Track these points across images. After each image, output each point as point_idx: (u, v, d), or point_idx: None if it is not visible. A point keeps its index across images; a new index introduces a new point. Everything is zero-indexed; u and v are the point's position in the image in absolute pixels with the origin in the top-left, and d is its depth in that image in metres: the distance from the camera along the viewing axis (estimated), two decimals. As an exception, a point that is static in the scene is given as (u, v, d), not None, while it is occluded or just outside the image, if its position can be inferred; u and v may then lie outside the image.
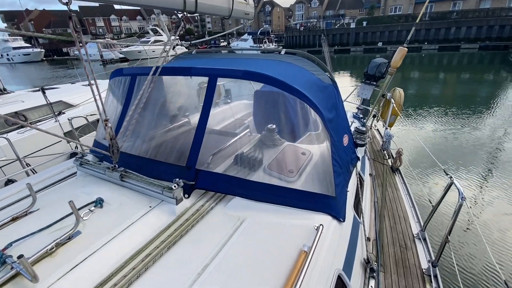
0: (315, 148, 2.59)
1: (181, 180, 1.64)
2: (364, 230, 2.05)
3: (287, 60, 2.47)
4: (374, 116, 4.87)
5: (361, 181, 2.75)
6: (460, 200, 1.66)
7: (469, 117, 9.95)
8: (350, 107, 4.92)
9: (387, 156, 3.63)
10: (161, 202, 1.66)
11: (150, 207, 1.61)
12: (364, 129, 3.10)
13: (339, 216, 1.86)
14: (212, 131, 2.62)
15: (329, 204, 1.87)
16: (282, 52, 2.68)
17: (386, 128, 3.94)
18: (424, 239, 2.20)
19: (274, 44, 38.66)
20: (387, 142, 3.63)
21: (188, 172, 1.80)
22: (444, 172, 1.99)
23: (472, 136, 8.15)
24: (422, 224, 2.29)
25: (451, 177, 1.88)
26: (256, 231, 1.55)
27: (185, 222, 1.56)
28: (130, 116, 1.99)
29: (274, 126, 2.69)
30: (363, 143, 3.12)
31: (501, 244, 3.15)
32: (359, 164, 2.91)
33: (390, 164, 3.42)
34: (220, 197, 1.81)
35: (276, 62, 2.38)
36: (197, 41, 6.90)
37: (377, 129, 4.87)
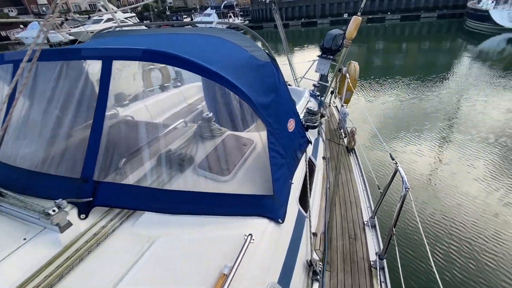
0: (259, 137, 2.29)
1: (63, 200, 1.27)
2: (310, 226, 1.86)
3: (219, 34, 2.07)
4: (332, 93, 4.67)
5: (312, 167, 2.55)
6: (404, 190, 1.50)
7: (429, 85, 10.28)
8: (308, 84, 4.67)
9: (343, 135, 3.49)
10: (43, 230, 1.29)
11: (24, 239, 1.24)
12: (315, 109, 2.86)
13: (277, 217, 1.62)
14: (131, 126, 2.21)
15: (265, 205, 1.62)
16: (213, 25, 2.26)
17: (342, 106, 3.76)
18: (374, 226, 2.08)
19: (240, 18, 36.84)
20: (343, 120, 3.47)
21: (84, 186, 1.43)
22: (390, 156, 1.82)
23: (431, 103, 8.44)
24: (373, 209, 2.18)
25: (396, 163, 1.71)
26: (168, 254, 1.26)
27: (75, 254, 1.22)
28: (10, 115, 1.52)
29: (211, 114, 2.34)
30: (314, 125, 2.90)
31: (440, 241, 3.16)
32: (310, 148, 2.69)
33: (346, 144, 3.28)
34: (128, 213, 1.48)
35: (202, 38, 1.98)
36: (154, 23, 6.09)
37: (336, 106, 4.72)
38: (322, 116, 3.74)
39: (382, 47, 20.72)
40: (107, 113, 1.54)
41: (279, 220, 1.62)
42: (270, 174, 1.66)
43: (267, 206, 1.62)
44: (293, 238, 1.67)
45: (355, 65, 3.85)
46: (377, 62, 15.73)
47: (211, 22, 2.20)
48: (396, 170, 1.71)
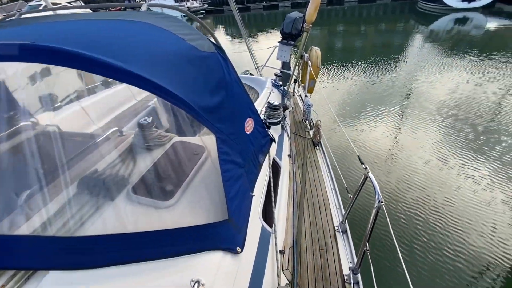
0: (213, 142, 1.95)
1: None
2: (276, 243, 1.61)
3: (147, 19, 1.62)
4: (295, 81, 4.42)
5: (276, 169, 2.29)
6: (377, 202, 1.30)
7: (386, 66, 10.58)
8: (272, 73, 4.36)
9: (309, 127, 3.29)
10: None
11: None
12: (277, 103, 2.58)
13: (234, 246, 1.33)
14: (46, 141, 1.73)
15: (218, 234, 1.31)
16: (143, 8, 1.80)
17: (306, 96, 3.54)
18: (345, 232, 1.91)
19: (198, 1, 34.83)
20: (307, 112, 3.27)
21: None
22: (359, 159, 1.62)
23: (388, 84, 8.69)
24: (343, 212, 2.00)
25: (365, 167, 1.50)
26: None
27: None
28: None
29: (150, 119, 1.92)
30: (277, 120, 2.63)
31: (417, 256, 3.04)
32: (274, 147, 2.42)
33: (311, 137, 3.09)
34: (28, 274, 1.08)
35: (126, 25, 1.53)
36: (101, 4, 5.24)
37: (300, 95, 4.51)
38: (286, 108, 3.49)
39: (342, 30, 21.03)
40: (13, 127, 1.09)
41: (237, 249, 1.34)
42: (221, 194, 1.35)
43: (222, 235, 1.32)
44: (256, 266, 1.41)
45: (316, 51, 3.62)
46: (338, 45, 15.90)
47: (139, 5, 1.74)
48: (366, 177, 1.51)
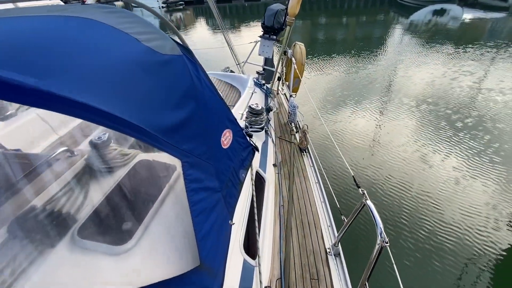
0: None
1: None
2: (261, 280, 1.38)
3: (90, 15, 1.28)
4: (279, 79, 4.17)
5: (260, 183, 2.05)
6: (379, 241, 1.10)
7: (367, 58, 10.56)
8: (252, 70, 4.08)
9: (295, 130, 3.07)
10: None
11: None
12: (259, 108, 2.32)
13: None
14: None
15: (188, 285, 1.06)
16: (89, 1, 1.45)
17: (291, 96, 3.29)
18: (338, 255, 1.71)
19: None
20: (293, 113, 3.04)
21: None
22: (354, 181, 1.40)
23: (371, 76, 8.65)
24: (335, 232, 1.81)
25: (363, 193, 1.29)
26: None
27: None
28: None
29: (106, 136, 1.60)
30: (260, 127, 2.37)
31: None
32: (257, 157, 2.17)
33: (298, 142, 2.87)
34: None
35: (58, 22, 1.19)
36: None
37: (284, 94, 4.27)
38: (270, 110, 3.23)
39: (324, 22, 20.89)
40: None
41: None
42: (191, 234, 1.10)
43: (192, 287, 1.07)
44: None
45: (300, 47, 3.36)
46: (321, 38, 15.74)
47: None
48: (363, 205, 1.30)
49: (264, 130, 2.49)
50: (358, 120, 5.93)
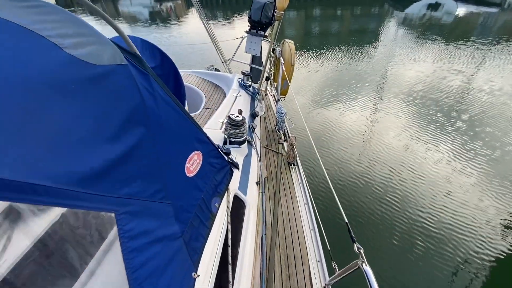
0: None
1: None
2: None
3: None
4: (267, 79, 3.85)
5: (240, 207, 1.77)
6: None
7: (361, 52, 10.28)
8: (240, 69, 3.74)
9: (282, 138, 2.80)
10: None
11: None
12: (239, 118, 2.02)
13: None
14: None
15: None
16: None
17: (278, 100, 2.99)
18: None
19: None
20: (280, 121, 2.75)
21: None
22: (349, 232, 1.14)
23: (364, 70, 8.41)
24: (325, 271, 1.55)
25: (359, 251, 1.03)
26: None
27: None
28: None
29: None
30: (241, 140, 2.08)
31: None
32: (237, 177, 1.89)
33: (286, 151, 2.60)
34: None
35: None
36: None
37: (273, 95, 3.96)
38: (256, 115, 2.94)
39: (319, 14, 20.38)
40: None
41: None
42: None
43: None
44: None
45: (290, 45, 3.03)
46: (315, 30, 15.32)
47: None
48: (358, 267, 1.04)
49: (246, 142, 2.20)
50: (348, 123, 5.70)
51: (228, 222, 1.49)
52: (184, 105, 3.59)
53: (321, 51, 10.57)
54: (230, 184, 1.68)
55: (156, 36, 13.00)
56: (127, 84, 0.97)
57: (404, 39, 12.03)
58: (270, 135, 2.90)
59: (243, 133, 2.08)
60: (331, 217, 3.05)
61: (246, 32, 3.71)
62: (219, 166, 1.65)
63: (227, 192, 1.65)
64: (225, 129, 2.08)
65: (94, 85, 0.86)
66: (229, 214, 1.53)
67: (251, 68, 4.04)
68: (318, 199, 3.36)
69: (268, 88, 3.97)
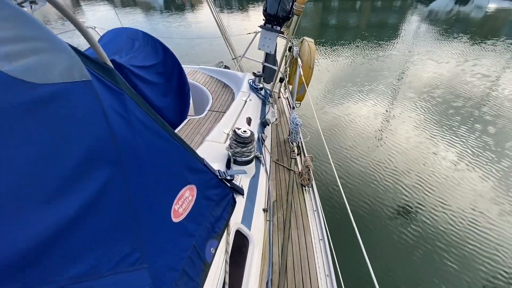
0: None
1: None
2: None
3: None
4: (281, 81, 3.48)
5: (242, 244, 1.48)
6: None
7: (380, 46, 9.64)
8: (251, 67, 3.39)
9: (295, 151, 2.46)
10: None
11: None
12: (247, 135, 1.70)
13: None
14: None
15: None
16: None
17: (293, 108, 2.63)
18: None
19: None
20: (294, 132, 2.41)
21: None
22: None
23: (380, 66, 7.87)
24: None
25: None
26: None
27: None
28: None
29: None
30: (248, 159, 1.77)
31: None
32: (241, 205, 1.59)
33: (299, 169, 2.27)
34: None
35: None
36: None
37: (287, 98, 3.59)
38: (267, 124, 2.60)
39: (337, 6, 19.46)
40: None
41: None
42: None
43: None
44: None
45: (310, 45, 2.64)
46: (332, 23, 14.59)
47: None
48: None
49: (253, 157, 1.89)
50: (370, 129, 5.27)
51: (226, 271, 1.19)
52: (187, 106, 3.29)
53: (336, 45, 9.99)
54: (231, 217, 1.38)
55: (164, 25, 12.61)
56: (87, 108, 0.66)
57: (426, 37, 11.25)
58: (281, 147, 2.57)
59: (251, 152, 1.76)
60: (351, 257, 2.17)
61: (260, 26, 3.33)
62: (218, 198, 1.35)
63: (227, 230, 1.35)
64: (230, 146, 1.76)
65: (33, 114, 0.56)
66: (228, 260, 1.23)
67: (264, 67, 3.67)
68: (335, 231, 2.90)
69: (282, 90, 3.60)
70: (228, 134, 2.07)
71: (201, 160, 1.21)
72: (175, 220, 0.99)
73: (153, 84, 2.67)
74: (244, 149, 1.72)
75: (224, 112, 2.83)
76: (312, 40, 2.70)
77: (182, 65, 3.82)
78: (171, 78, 2.87)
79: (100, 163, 0.67)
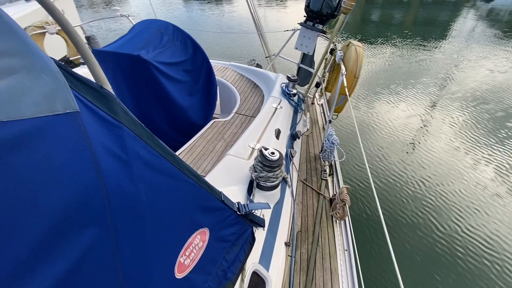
0: None
1: None
2: None
3: None
4: (317, 86, 3.14)
5: None
6: None
7: (426, 48, 8.70)
8: (284, 66, 3.09)
9: (327, 171, 2.16)
10: None
11: None
12: (275, 157, 1.46)
13: None
14: None
15: None
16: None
17: (329, 121, 2.29)
18: None
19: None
20: (328, 151, 2.10)
21: None
22: None
23: (424, 68, 7.07)
24: None
25: None
26: None
27: None
28: None
29: None
30: (273, 184, 1.54)
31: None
32: (260, 243, 1.38)
33: (330, 195, 1.98)
34: None
35: None
36: None
37: (321, 105, 3.23)
38: (297, 137, 2.33)
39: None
40: None
41: None
42: None
43: None
44: None
45: (357, 50, 2.27)
46: (374, 18, 13.52)
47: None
48: None
49: (279, 182, 1.65)
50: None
51: None
52: (213, 107, 3.10)
53: (374, 43, 9.17)
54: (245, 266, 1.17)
55: (198, 13, 12.40)
56: (70, 150, 0.46)
57: (481, 39, 9.89)
58: (311, 164, 2.29)
59: (277, 178, 1.52)
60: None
61: (300, 24, 3.01)
62: (234, 237, 1.14)
63: (242, 273, 1.15)
64: (254, 168, 1.54)
65: None
66: None
67: (299, 68, 3.35)
68: (371, 279, 2.56)
69: (317, 96, 3.27)
70: (253, 149, 1.84)
71: (218, 196, 1.00)
72: (179, 275, 0.80)
73: (179, 82, 2.50)
74: (270, 174, 1.49)
75: (252, 117, 2.60)
76: (361, 45, 2.33)
77: (212, 60, 3.62)
78: (198, 77, 2.68)
79: (81, 224, 0.48)
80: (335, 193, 2.01)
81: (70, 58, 3.67)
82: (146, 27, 2.47)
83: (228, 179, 1.60)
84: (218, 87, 3.26)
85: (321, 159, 2.29)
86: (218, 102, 3.54)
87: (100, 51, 2.14)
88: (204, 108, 2.83)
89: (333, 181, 2.18)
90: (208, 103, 2.87)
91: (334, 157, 2.20)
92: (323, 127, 2.88)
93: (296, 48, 3.10)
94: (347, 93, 2.18)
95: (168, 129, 2.68)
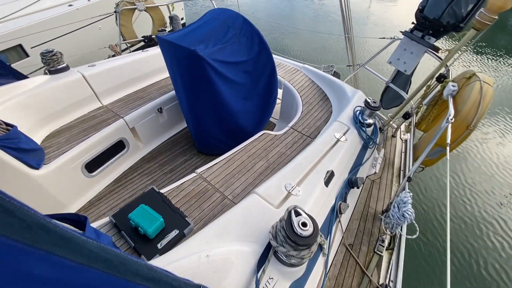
0: None
1: None
2: None
3: None
4: (406, 117, 2.34)
5: None
6: None
7: None
8: (370, 85, 2.44)
9: (385, 244, 1.53)
10: None
11: None
12: (306, 231, 1.02)
13: None
14: None
15: None
16: None
17: (409, 179, 1.58)
18: None
19: None
20: (395, 224, 1.44)
21: None
22: None
23: None
24: None
25: None
26: None
27: None
28: None
29: None
30: (294, 262, 1.10)
31: None
32: None
33: (378, 282, 1.39)
34: None
35: None
36: None
37: (405, 141, 2.43)
38: (355, 186, 1.76)
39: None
40: None
41: None
42: None
43: None
44: None
45: (483, 89, 1.48)
46: (504, 42, 10.42)
47: None
48: None
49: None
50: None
51: None
52: (268, 116, 2.71)
53: (503, 56, 6.97)
54: None
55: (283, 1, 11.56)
56: None
57: None
58: (365, 223, 1.70)
59: (301, 259, 1.08)
60: None
61: (403, 32, 2.29)
62: None
63: None
64: (274, 235, 1.12)
65: None
66: None
67: (386, 88, 2.63)
68: None
69: (402, 128, 2.52)
70: (288, 193, 1.42)
71: None
72: None
73: (235, 84, 2.21)
74: (293, 253, 1.05)
75: (309, 137, 2.13)
76: (492, 82, 1.55)
77: (283, 59, 3.19)
78: (258, 80, 2.34)
79: None
80: (387, 281, 1.43)
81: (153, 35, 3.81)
82: (214, 17, 2.24)
83: (244, 228, 1.24)
84: (282, 91, 2.86)
85: (383, 223, 1.68)
86: (278, 107, 3.13)
87: (162, 39, 2.02)
88: (258, 115, 2.50)
89: (390, 260, 1.57)
90: (263, 110, 2.52)
91: (401, 231, 1.58)
92: (399, 172, 2.18)
93: (390, 63, 2.40)
94: (448, 147, 1.48)
95: (216, 130, 2.46)
